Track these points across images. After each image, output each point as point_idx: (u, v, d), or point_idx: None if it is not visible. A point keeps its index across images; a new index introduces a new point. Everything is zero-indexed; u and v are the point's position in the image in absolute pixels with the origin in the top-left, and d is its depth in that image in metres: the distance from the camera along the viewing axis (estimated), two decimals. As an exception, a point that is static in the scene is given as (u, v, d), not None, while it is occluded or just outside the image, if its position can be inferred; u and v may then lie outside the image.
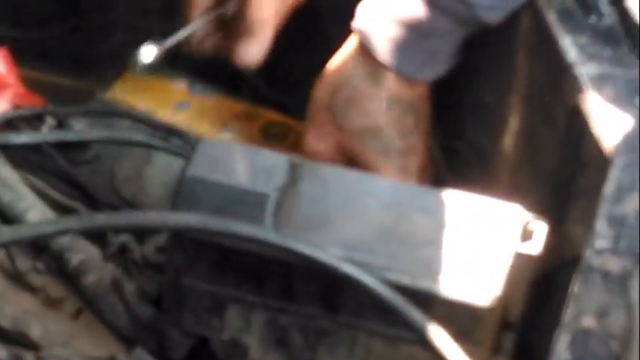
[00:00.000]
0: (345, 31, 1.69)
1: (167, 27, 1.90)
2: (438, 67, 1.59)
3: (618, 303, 1.21)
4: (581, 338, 1.17)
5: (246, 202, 1.35)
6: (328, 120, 1.66)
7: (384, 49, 1.56)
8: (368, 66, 1.59)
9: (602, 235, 1.24)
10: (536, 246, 1.38)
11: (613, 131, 1.37)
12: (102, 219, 1.45)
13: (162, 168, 1.68)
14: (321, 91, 1.65)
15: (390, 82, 1.58)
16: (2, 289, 1.48)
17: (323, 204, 1.41)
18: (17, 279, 1.49)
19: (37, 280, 1.50)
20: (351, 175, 1.50)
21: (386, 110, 1.61)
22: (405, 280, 1.29)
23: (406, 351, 1.34)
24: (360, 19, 1.59)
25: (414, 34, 1.55)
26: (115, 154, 1.71)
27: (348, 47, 1.63)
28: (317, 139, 1.68)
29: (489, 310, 1.31)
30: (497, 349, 1.39)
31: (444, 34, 1.55)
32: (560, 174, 1.52)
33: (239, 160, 1.45)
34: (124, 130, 1.73)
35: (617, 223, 1.26)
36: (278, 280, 1.37)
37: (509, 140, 1.63)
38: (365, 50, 1.58)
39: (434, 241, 1.35)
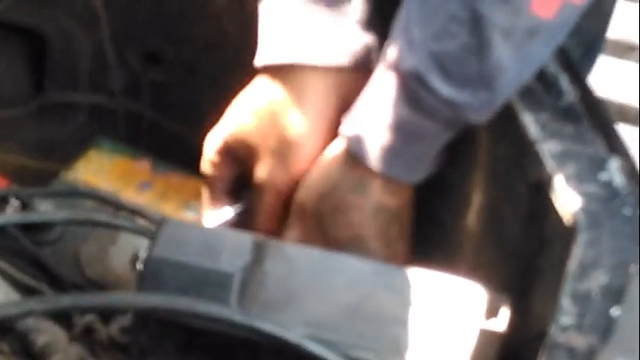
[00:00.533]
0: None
1: (129, 107, 1.96)
2: (424, 170, 1.58)
3: None
4: None
5: (211, 282, 1.35)
6: (312, 226, 1.63)
7: (373, 155, 1.54)
8: (355, 173, 1.57)
9: (566, 312, 1.25)
10: (500, 323, 1.38)
11: (576, 208, 1.38)
12: (67, 300, 1.43)
13: (127, 248, 1.66)
14: (305, 197, 1.63)
15: (377, 191, 1.56)
16: None
17: (288, 283, 1.40)
18: None
19: None
20: (316, 254, 1.49)
21: (371, 220, 1.59)
22: (371, 357, 1.30)
23: None
24: (348, 127, 1.59)
25: (402, 140, 1.54)
26: (80, 235, 1.70)
27: (334, 152, 1.61)
28: (296, 235, 1.65)
29: None
30: None
31: (431, 137, 1.54)
32: (524, 250, 1.51)
33: (203, 240, 1.44)
34: (88, 211, 1.72)
35: (581, 299, 1.27)
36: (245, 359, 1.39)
37: (472, 217, 1.63)
38: (352, 157, 1.57)
39: (399, 319, 1.35)
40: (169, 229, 1.44)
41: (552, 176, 1.43)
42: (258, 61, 1.65)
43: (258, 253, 1.42)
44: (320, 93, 1.64)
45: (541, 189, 1.45)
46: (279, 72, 1.63)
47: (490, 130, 1.55)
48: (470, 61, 1.47)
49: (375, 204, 1.56)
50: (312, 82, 1.63)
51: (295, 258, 1.45)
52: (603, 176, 1.43)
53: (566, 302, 1.27)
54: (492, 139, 1.57)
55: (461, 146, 1.59)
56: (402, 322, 1.36)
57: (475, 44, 1.45)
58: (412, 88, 1.48)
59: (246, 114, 1.66)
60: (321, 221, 1.61)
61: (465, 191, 1.65)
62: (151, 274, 1.37)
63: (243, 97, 1.68)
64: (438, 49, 1.48)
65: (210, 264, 1.37)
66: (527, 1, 1.44)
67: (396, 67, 1.51)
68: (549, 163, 1.45)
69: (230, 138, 1.67)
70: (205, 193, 1.76)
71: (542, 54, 1.51)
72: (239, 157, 1.69)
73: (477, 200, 1.64)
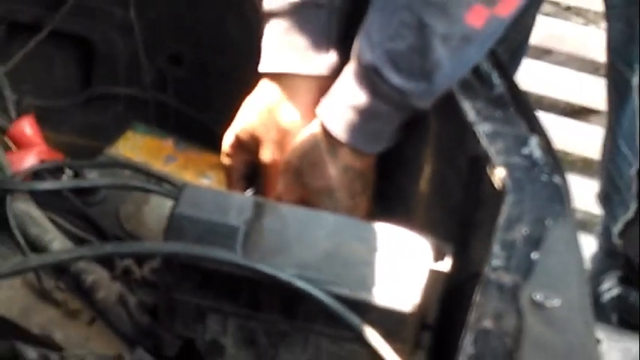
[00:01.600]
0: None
1: (157, 98, 1.98)
2: (382, 144, 1.61)
3: (510, 309, 1.22)
4: (482, 336, 1.18)
5: (220, 233, 1.36)
6: (295, 179, 1.66)
7: (340, 129, 1.58)
8: (328, 141, 1.60)
9: (496, 256, 1.27)
10: (445, 265, 1.40)
11: (504, 175, 1.40)
12: (109, 248, 1.51)
13: (157, 207, 1.68)
14: (291, 156, 1.66)
15: (344, 154, 1.59)
16: (32, 303, 1.49)
17: (281, 234, 1.42)
18: (43, 295, 1.50)
19: (59, 295, 1.50)
20: (303, 212, 1.52)
21: (340, 175, 1.62)
22: (345, 292, 1.31)
23: (348, 348, 1.36)
24: (322, 106, 1.62)
25: (363, 118, 1.57)
26: (119, 197, 1.71)
27: (314, 126, 1.64)
28: (286, 193, 1.67)
29: (411, 315, 1.32)
30: (417, 345, 1.40)
31: (385, 117, 1.57)
32: (464, 209, 1.55)
33: (215, 201, 1.45)
34: (126, 178, 1.75)
35: (508, 246, 1.29)
36: (247, 294, 1.37)
37: (424, 183, 1.66)
38: (326, 129, 1.60)
39: (367, 262, 1.37)
40: (188, 192, 1.46)
41: (486, 151, 1.46)
42: (261, 68, 1.66)
43: (258, 211, 1.43)
44: (305, 94, 1.66)
45: (477, 161, 1.48)
46: (276, 78, 1.65)
47: (437, 115, 1.58)
48: (415, 58, 1.49)
49: (343, 164, 1.59)
50: (300, 86, 1.66)
51: (286, 215, 1.48)
52: (525, 150, 1.46)
53: (496, 249, 1.29)
54: (439, 122, 1.60)
55: (414, 127, 1.62)
56: (369, 265, 1.38)
57: (419, 46, 1.48)
58: (370, 78, 1.52)
59: (252, 113, 1.69)
60: (301, 175, 1.63)
61: (418, 163, 1.67)
62: (174, 228, 1.38)
63: (249, 100, 1.70)
64: (391, 48, 1.50)
65: (220, 219, 1.38)
66: (461, 12, 1.46)
67: (359, 61, 1.54)
68: (483, 141, 1.48)
69: (241, 133, 1.70)
70: (225, 179, 1.80)
71: (473, 56, 1.54)
72: (249, 148, 1.71)
73: (427, 170, 1.66)
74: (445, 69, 1.49)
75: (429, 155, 1.66)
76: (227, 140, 1.74)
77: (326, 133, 1.59)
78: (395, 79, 1.50)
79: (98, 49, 2.01)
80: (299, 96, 1.67)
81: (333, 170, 1.61)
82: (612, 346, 1.78)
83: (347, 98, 1.57)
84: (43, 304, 1.51)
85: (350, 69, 1.58)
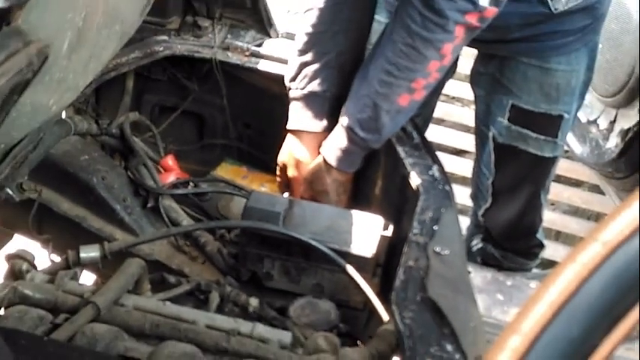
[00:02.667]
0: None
1: (238, 145, 2.05)
2: (354, 167, 1.69)
3: (422, 256, 1.38)
4: (408, 270, 1.35)
5: (271, 216, 1.53)
6: (308, 186, 1.75)
7: (332, 159, 1.67)
8: (326, 166, 1.70)
9: (415, 228, 1.45)
10: (389, 232, 1.58)
11: (419, 184, 1.55)
12: (213, 224, 1.70)
13: (238, 203, 1.74)
14: (306, 174, 1.73)
15: (334, 173, 1.69)
16: (172, 253, 1.65)
17: (303, 217, 1.59)
18: (178, 249, 1.67)
19: (186, 249, 1.68)
20: (314, 205, 1.69)
21: (332, 184, 1.71)
22: (336, 246, 1.50)
23: (338, 276, 1.51)
24: (323, 147, 1.70)
25: (344, 153, 1.66)
26: (219, 197, 1.79)
27: (319, 158, 1.72)
28: (304, 194, 1.76)
29: (371, 258, 1.51)
30: (374, 275, 1.54)
31: (357, 153, 1.66)
32: (398, 203, 1.67)
33: (268, 200, 1.61)
34: (221, 187, 1.83)
35: (421, 222, 1.47)
36: (285, 248, 1.54)
37: (377, 189, 1.78)
38: (325, 160, 1.69)
39: (347, 231, 1.55)
40: (254, 196, 1.62)
41: (409, 172, 1.59)
42: (288, 127, 1.74)
43: (291, 205, 1.60)
44: (309, 141, 1.73)
45: (405, 178, 1.61)
46: (295, 132, 1.74)
47: (384, 152, 1.69)
48: (372, 122, 1.61)
49: (334, 178, 1.70)
50: (306, 137, 1.74)
51: (307, 207, 1.65)
52: (430, 172, 1.60)
53: (415, 224, 1.47)
54: (385, 155, 1.70)
55: (372, 158, 1.72)
56: (349, 232, 1.55)
57: (374, 116, 1.60)
58: (348, 133, 1.63)
59: (284, 152, 1.77)
60: (311, 184, 1.74)
61: (374, 177, 1.77)
62: (247, 213, 1.55)
63: (283, 145, 1.77)
64: (359, 117, 1.62)
65: (271, 209, 1.55)
66: (395, 98, 1.59)
67: (342, 123, 1.65)
68: (408, 167, 1.61)
69: (279, 163, 1.78)
70: (277, 187, 1.85)
71: (402, 121, 1.65)
72: (284, 171, 1.78)
73: (378, 182, 1.78)
74: (387, 128, 1.62)
75: (380, 174, 1.77)
76: (277, 167, 1.81)
77: (325, 161, 1.70)
78: (361, 133, 1.63)
79: (207, 120, 2.00)
80: (305, 143, 1.74)
81: (328, 181, 1.71)
82: (476, 275, 1.91)
83: (336, 143, 1.67)
84: (178, 253, 1.68)
85: (338, 127, 1.67)
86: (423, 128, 1.88)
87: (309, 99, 1.71)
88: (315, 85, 1.70)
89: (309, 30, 1.69)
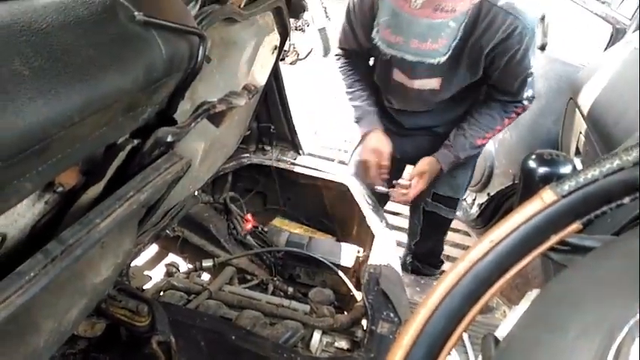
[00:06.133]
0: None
1: None
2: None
3: (378, 267, 1.32)
4: (370, 274, 1.28)
5: (300, 245, 1.48)
6: (421, 177, 1.48)
7: (445, 166, 1.46)
8: (438, 166, 1.48)
9: (373, 253, 1.37)
10: (361, 254, 1.47)
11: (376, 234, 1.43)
12: (272, 249, 1.54)
13: (283, 238, 1.55)
14: (423, 167, 1.46)
15: (438, 173, 1.49)
16: (248, 264, 1.52)
17: (316, 246, 1.49)
18: (252, 261, 1.55)
19: (256, 262, 1.56)
20: (321, 240, 1.55)
21: (432, 175, 1.50)
22: (333, 260, 1.44)
23: (334, 277, 1.42)
24: (439, 156, 1.47)
25: (451, 163, 1.46)
26: (272, 234, 1.58)
27: (433, 162, 1.48)
28: (416, 176, 1.49)
29: (350, 267, 1.43)
30: (352, 277, 1.45)
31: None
32: (366, 240, 1.53)
33: (299, 238, 1.52)
34: (277, 230, 1.62)
35: (378, 249, 1.41)
36: (307, 261, 1.47)
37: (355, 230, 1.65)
38: (441, 164, 1.47)
39: (339, 253, 1.47)
40: (291, 236, 1.53)
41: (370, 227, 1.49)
42: (362, 132, 1.49)
43: (309, 240, 1.51)
44: (379, 136, 1.48)
45: (367, 229, 1.50)
46: (368, 133, 1.48)
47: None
48: (460, 155, 1.45)
49: (435, 175, 1.49)
50: (377, 133, 1.48)
51: (318, 242, 1.52)
52: (382, 223, 1.49)
53: (373, 251, 1.39)
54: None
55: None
56: (339, 254, 1.47)
57: (470, 155, 1.47)
58: (455, 158, 1.46)
59: (365, 152, 1.50)
60: (424, 173, 1.47)
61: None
62: (288, 244, 1.50)
63: (361, 148, 1.53)
64: (465, 154, 1.46)
65: (300, 241, 1.49)
66: (477, 140, 1.44)
67: (453, 153, 1.45)
68: (370, 224, 1.50)
69: (362, 161, 1.52)
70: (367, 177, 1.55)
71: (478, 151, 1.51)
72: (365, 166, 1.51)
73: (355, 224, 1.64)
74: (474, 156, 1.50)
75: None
76: (357, 167, 1.59)
77: (440, 164, 1.48)
78: (460, 155, 1.45)
79: (268, 196, 1.80)
80: (377, 136, 1.47)
81: (433, 175, 1.48)
82: (406, 277, 1.77)
83: (446, 160, 1.47)
84: (252, 264, 1.54)
85: (448, 151, 1.46)
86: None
87: (368, 114, 1.50)
88: (367, 107, 1.51)
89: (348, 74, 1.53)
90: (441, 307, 0.56)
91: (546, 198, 0.54)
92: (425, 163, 1.48)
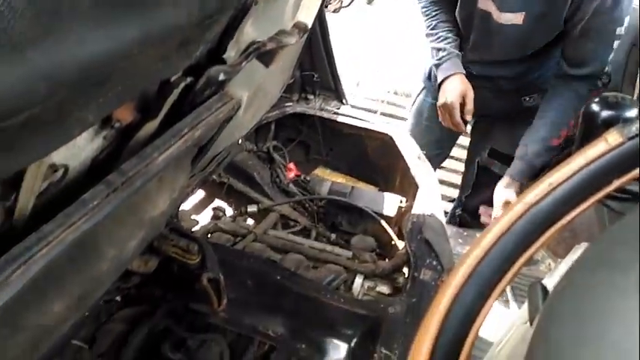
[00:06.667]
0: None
1: None
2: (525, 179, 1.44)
3: (421, 216, 1.31)
4: (414, 223, 1.27)
5: (342, 194, 1.49)
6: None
7: (515, 176, 1.43)
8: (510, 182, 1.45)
9: (417, 201, 1.37)
10: (403, 204, 1.47)
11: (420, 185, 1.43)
12: (314, 197, 1.54)
13: (325, 186, 1.56)
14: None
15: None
16: (290, 211, 1.53)
17: (359, 195, 1.50)
18: (294, 209, 1.56)
19: (299, 209, 1.57)
20: (364, 190, 1.54)
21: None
22: (376, 209, 1.44)
23: (376, 226, 1.43)
24: (511, 171, 1.44)
25: (522, 176, 1.43)
26: (314, 183, 1.60)
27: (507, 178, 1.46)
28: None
29: (392, 217, 1.44)
30: (395, 225, 1.44)
31: (528, 174, 1.43)
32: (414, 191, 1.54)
33: (341, 187, 1.53)
34: (320, 180, 1.64)
35: (422, 198, 1.45)
36: (349, 210, 1.47)
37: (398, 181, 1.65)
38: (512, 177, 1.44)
39: (382, 202, 1.47)
40: (333, 185, 1.54)
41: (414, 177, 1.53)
42: (445, 75, 1.47)
43: (352, 189, 1.51)
44: (464, 79, 1.45)
45: (415, 185, 1.49)
46: (450, 77, 1.46)
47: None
48: (538, 162, 1.41)
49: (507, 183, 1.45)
50: (461, 77, 1.46)
51: (361, 191, 1.52)
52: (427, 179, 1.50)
53: (417, 201, 1.39)
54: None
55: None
56: (382, 203, 1.47)
57: (543, 160, 1.41)
58: (529, 168, 1.42)
59: (450, 94, 1.46)
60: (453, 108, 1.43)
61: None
62: (330, 192, 1.51)
63: (444, 92, 1.48)
64: (539, 162, 1.41)
65: (343, 190, 1.49)
66: (551, 140, 1.38)
67: (525, 160, 1.42)
68: (416, 178, 1.50)
69: (445, 105, 1.47)
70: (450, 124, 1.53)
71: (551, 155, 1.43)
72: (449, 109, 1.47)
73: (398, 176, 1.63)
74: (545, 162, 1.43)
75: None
76: (440, 112, 1.53)
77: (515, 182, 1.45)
78: (536, 163, 1.41)
79: (311, 146, 1.79)
80: (461, 79, 1.46)
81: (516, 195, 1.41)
82: (449, 229, 1.71)
83: (522, 173, 1.45)
84: (294, 211, 1.55)
85: (522, 163, 1.43)
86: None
87: (452, 57, 1.49)
88: (452, 49, 1.49)
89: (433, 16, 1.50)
90: (494, 248, 0.56)
91: (611, 140, 0.53)
92: (503, 193, 1.44)
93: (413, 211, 1.34)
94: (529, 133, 1.42)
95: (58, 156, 0.48)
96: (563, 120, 1.38)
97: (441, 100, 1.49)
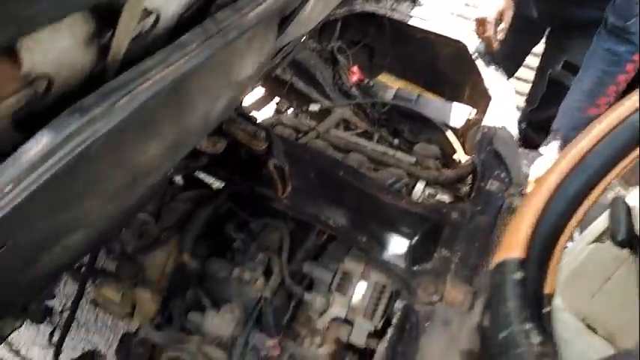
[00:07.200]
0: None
1: None
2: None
3: (492, 128, 1.27)
4: (483, 134, 1.24)
5: (408, 101, 1.46)
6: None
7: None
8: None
9: (488, 114, 1.37)
10: (472, 116, 1.44)
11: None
12: (376, 100, 1.52)
13: (389, 93, 1.56)
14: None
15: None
16: (350, 115, 1.49)
17: (426, 105, 1.48)
18: (355, 114, 1.52)
19: (360, 114, 1.54)
20: (431, 100, 1.48)
21: None
22: (442, 120, 1.41)
23: (441, 135, 1.41)
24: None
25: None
26: (378, 88, 1.58)
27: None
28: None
29: (459, 129, 1.41)
30: (461, 137, 1.43)
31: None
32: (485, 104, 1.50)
33: (407, 93, 1.49)
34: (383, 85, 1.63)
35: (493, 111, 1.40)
36: (413, 118, 1.45)
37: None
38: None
39: (449, 113, 1.44)
40: (398, 91, 1.50)
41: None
42: None
43: (418, 97, 1.48)
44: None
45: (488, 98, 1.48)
46: None
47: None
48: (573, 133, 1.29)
49: None
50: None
51: (427, 101, 1.48)
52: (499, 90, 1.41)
53: (488, 115, 1.35)
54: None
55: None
56: (449, 113, 1.44)
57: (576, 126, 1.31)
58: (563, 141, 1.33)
59: (490, 9, 1.41)
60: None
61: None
62: (395, 98, 1.48)
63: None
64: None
65: (408, 97, 1.46)
66: (586, 109, 1.31)
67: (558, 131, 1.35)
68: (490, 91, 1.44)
69: (484, 19, 1.42)
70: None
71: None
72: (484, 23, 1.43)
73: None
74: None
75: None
76: (478, 25, 1.46)
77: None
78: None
79: (375, 49, 1.72)
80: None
81: None
82: None
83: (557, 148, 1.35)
84: (354, 115, 1.52)
85: (555, 137, 1.36)
86: None
87: None
88: None
89: None
90: (605, 140, 0.54)
91: None
92: (540, 167, 1.30)
93: (484, 122, 1.29)
94: (564, 107, 1.35)
95: (151, 2, 0.47)
96: (600, 85, 1.29)
97: (480, 13, 1.44)
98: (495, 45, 1.44)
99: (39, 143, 0.36)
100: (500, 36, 1.43)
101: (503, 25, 1.42)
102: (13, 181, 0.34)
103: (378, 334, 0.98)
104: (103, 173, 0.46)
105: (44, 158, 0.36)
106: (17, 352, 1.33)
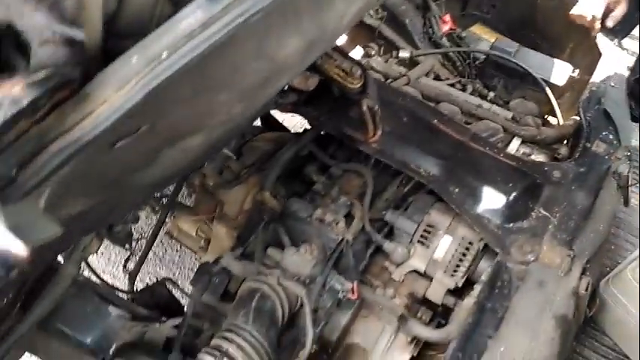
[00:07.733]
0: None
1: None
2: None
3: (602, 84, 1.19)
4: (592, 91, 1.17)
5: (507, 52, 1.35)
6: None
7: None
8: None
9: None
10: (576, 74, 1.36)
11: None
12: (471, 49, 1.44)
13: (483, 45, 1.51)
14: None
15: None
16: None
17: (526, 56, 1.36)
18: (443, 65, 1.45)
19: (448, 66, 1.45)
20: (531, 51, 1.37)
21: None
22: (541, 75, 1.31)
23: (537, 94, 1.32)
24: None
25: None
26: (469, 40, 1.53)
27: None
28: None
29: (561, 86, 1.30)
30: (561, 97, 1.33)
31: None
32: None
33: (507, 43, 1.39)
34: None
35: None
36: (508, 72, 1.35)
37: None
38: None
39: (551, 68, 1.34)
40: (496, 43, 1.41)
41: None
42: None
43: (519, 49, 1.37)
44: None
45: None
46: None
47: None
48: None
49: None
50: None
51: (527, 52, 1.37)
52: None
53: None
54: None
55: None
56: (551, 69, 1.34)
57: None
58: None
59: None
60: None
61: None
62: (491, 48, 1.38)
63: None
64: None
65: (507, 48, 1.36)
66: None
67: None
68: None
69: None
70: None
71: None
72: None
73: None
74: None
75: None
76: None
77: None
78: None
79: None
80: None
81: None
82: None
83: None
84: (445, 65, 1.45)
85: None
86: None
87: None
88: None
89: None
90: None
91: None
92: None
93: (592, 80, 1.21)
94: None
95: None
96: None
97: None
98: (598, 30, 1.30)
99: (195, 12, 0.34)
100: (610, 23, 1.28)
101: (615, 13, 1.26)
102: (169, 48, 0.32)
103: (457, 293, 0.93)
104: (246, 62, 0.44)
105: (202, 28, 0.34)
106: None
